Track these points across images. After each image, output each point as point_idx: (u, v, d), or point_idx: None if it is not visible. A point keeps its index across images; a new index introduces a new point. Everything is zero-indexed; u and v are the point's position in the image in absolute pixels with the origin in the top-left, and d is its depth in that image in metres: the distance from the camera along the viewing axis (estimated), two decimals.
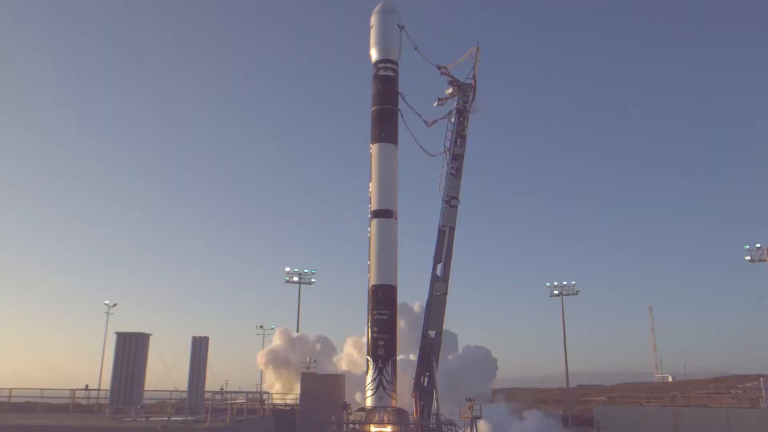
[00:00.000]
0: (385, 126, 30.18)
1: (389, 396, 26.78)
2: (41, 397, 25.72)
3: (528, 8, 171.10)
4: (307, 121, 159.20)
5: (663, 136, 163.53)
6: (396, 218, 29.52)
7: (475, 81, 32.68)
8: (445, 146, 32.83)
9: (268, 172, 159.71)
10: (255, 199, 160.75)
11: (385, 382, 26.69)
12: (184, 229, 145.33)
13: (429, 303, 30.70)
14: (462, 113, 32.35)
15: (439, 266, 31.45)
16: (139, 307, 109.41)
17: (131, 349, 21.78)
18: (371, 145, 30.44)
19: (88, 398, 27.58)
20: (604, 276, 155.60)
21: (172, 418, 20.76)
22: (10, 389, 25.70)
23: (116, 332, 22.15)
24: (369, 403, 26.99)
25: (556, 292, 48.72)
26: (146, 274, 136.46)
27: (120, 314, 49.45)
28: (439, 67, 33.05)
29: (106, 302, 48.10)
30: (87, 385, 29.46)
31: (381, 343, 27.14)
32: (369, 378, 27.19)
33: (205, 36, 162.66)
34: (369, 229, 29.35)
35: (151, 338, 22.95)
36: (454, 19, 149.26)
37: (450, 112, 32.81)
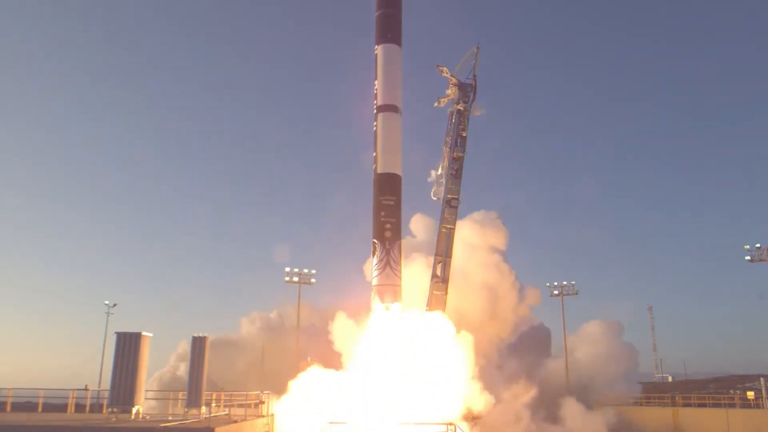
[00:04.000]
0: (390, 28, 30.73)
1: (395, 275, 27.45)
2: (41, 397, 25.70)
3: (530, 7, 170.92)
4: (307, 120, 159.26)
5: (663, 136, 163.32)
6: (400, 114, 29.95)
7: (475, 81, 32.74)
8: (445, 146, 32.94)
9: (269, 170, 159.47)
10: (255, 198, 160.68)
11: (392, 262, 27.54)
12: (184, 229, 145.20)
13: (430, 303, 30.81)
14: (462, 114, 32.42)
15: (440, 266, 31.55)
16: (139, 307, 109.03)
17: (131, 350, 21.77)
18: (376, 47, 30.79)
19: (88, 398, 27.54)
20: (604, 276, 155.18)
21: (172, 418, 20.79)
22: (10, 389, 25.68)
23: (116, 332, 22.13)
24: (376, 282, 27.91)
25: (556, 292, 48.69)
26: (146, 274, 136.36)
27: (120, 314, 49.26)
28: (438, 67, 33.13)
29: (106, 302, 48.02)
30: (87, 385, 29.37)
31: (388, 226, 28.03)
32: (376, 260, 28.06)
33: (199, 30, 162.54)
34: (374, 124, 29.87)
35: (151, 338, 22.96)
36: (456, 18, 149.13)
37: (451, 113, 32.91)
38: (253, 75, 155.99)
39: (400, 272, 27.94)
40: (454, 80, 32.70)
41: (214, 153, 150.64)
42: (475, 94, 32.60)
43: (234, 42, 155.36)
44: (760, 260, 39.31)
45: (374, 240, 28.28)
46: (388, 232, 27.93)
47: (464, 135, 32.28)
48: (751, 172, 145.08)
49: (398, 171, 29.18)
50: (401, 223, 29.12)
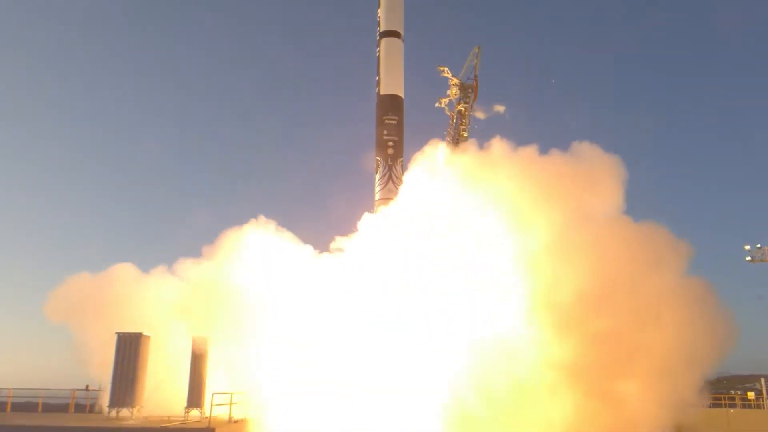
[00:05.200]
0: None
1: (398, 190, 28.13)
2: (41, 397, 25.69)
3: (532, 7, 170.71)
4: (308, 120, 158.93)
5: (663, 136, 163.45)
6: (402, 39, 30.40)
7: (476, 81, 32.76)
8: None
9: (269, 167, 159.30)
10: (255, 198, 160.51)
11: (394, 178, 28.30)
12: (183, 228, 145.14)
13: None
14: (462, 115, 32.45)
15: None
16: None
17: (131, 350, 21.81)
18: None
19: (89, 398, 27.54)
20: None
21: (172, 419, 20.80)
22: (10, 389, 25.67)
23: (116, 332, 22.16)
24: (378, 197, 28.46)
25: None
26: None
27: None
28: (440, 67, 33.16)
29: None
30: (87, 385, 29.38)
31: (390, 143, 28.71)
32: (378, 175, 28.72)
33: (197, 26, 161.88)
34: (377, 49, 30.42)
35: (151, 338, 22.97)
36: (457, 18, 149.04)
37: (451, 113, 32.92)
38: (252, 73, 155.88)
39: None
40: (455, 80, 32.71)
41: (213, 152, 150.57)
42: (475, 94, 32.63)
43: (232, 41, 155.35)
44: (761, 260, 39.17)
45: (377, 158, 29.05)
46: (391, 149, 28.56)
47: (465, 135, 32.31)
48: (751, 172, 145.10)
49: (400, 93, 29.83)
50: (403, 143, 29.83)
